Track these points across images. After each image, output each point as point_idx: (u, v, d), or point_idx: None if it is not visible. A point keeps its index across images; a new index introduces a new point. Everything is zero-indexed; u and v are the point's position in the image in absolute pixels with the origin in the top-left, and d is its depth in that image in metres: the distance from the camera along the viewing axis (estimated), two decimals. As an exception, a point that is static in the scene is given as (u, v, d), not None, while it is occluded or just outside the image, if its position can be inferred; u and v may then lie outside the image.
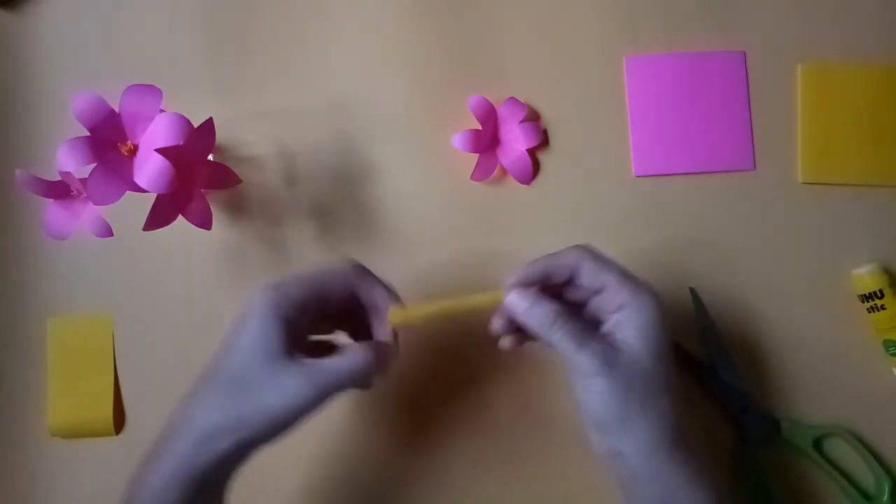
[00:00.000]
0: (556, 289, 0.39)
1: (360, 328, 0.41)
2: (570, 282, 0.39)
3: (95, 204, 0.38)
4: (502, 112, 0.49)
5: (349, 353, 0.37)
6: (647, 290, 0.37)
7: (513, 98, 0.49)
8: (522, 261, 0.49)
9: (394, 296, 0.40)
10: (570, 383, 0.38)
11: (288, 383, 0.35)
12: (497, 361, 0.48)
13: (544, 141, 0.50)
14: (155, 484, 0.35)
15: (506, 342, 0.41)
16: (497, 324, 0.40)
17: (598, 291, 0.38)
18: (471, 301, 0.39)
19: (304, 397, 0.35)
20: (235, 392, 0.35)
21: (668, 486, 0.36)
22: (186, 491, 0.35)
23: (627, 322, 0.37)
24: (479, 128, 0.48)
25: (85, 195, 0.41)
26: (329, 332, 0.42)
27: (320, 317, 0.39)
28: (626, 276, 0.38)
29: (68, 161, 0.38)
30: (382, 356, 0.37)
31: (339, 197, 0.50)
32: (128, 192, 0.38)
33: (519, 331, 0.40)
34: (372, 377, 0.38)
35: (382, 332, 0.40)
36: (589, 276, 0.38)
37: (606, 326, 0.38)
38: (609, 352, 0.36)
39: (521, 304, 0.38)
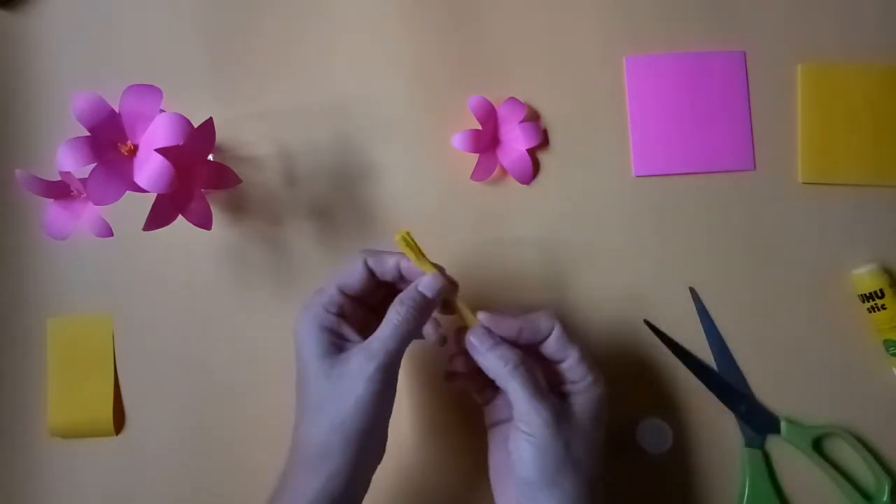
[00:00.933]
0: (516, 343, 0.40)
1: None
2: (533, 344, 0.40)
3: (95, 204, 0.38)
4: (502, 112, 0.49)
5: (387, 315, 0.38)
6: (598, 373, 0.40)
7: (513, 98, 0.49)
8: (522, 261, 0.50)
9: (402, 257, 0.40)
10: (505, 435, 0.40)
11: (350, 368, 0.37)
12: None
13: (544, 141, 0.50)
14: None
15: (457, 364, 0.42)
16: (454, 354, 0.42)
17: (558, 361, 0.40)
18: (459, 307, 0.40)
19: (369, 372, 0.36)
20: (321, 399, 0.37)
21: None
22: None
23: (580, 394, 0.39)
24: (479, 128, 0.48)
25: (85, 195, 0.41)
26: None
27: (369, 303, 0.41)
28: (584, 355, 0.40)
29: (68, 161, 0.38)
30: (410, 305, 0.38)
31: (339, 197, 0.50)
32: (128, 192, 0.38)
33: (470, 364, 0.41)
34: (415, 326, 0.38)
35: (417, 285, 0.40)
36: (554, 346, 0.40)
37: (560, 390, 0.40)
38: (560, 408, 0.38)
39: (482, 345, 0.39)
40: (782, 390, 0.49)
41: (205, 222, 0.44)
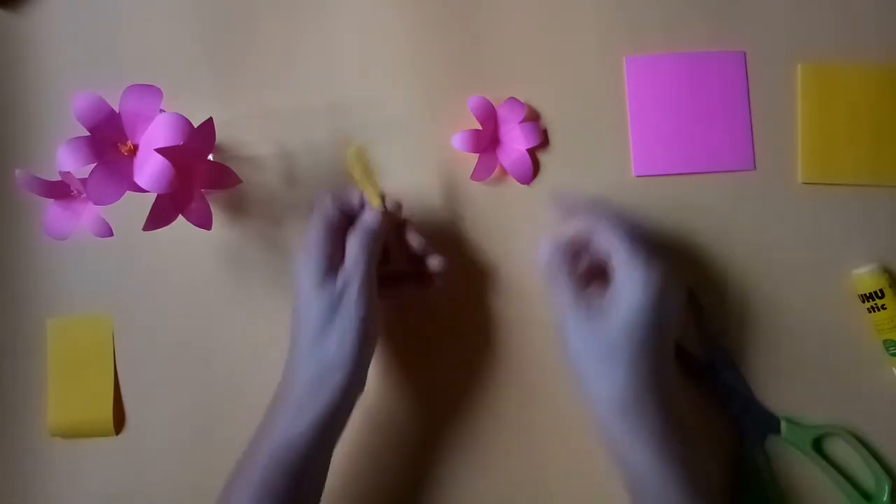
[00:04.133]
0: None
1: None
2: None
3: (95, 204, 0.38)
4: (502, 112, 0.49)
5: (347, 247, 0.42)
6: (641, 272, 0.40)
7: (513, 98, 0.49)
8: (523, 261, 0.50)
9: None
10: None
11: (342, 294, 0.41)
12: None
13: (544, 141, 0.50)
14: (285, 420, 0.40)
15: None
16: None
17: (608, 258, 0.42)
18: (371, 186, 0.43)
19: (353, 294, 0.41)
20: (326, 325, 0.41)
21: (619, 443, 0.40)
22: (326, 424, 0.40)
23: (618, 296, 0.41)
24: (479, 128, 0.48)
25: (85, 195, 0.41)
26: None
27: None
28: (628, 250, 0.41)
29: (68, 161, 0.38)
30: (366, 236, 0.42)
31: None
32: (128, 192, 0.38)
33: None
34: (375, 251, 0.42)
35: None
36: (600, 241, 0.43)
37: (607, 293, 0.41)
38: (589, 317, 0.41)
39: (543, 255, 0.44)
40: (782, 390, 0.49)
41: (205, 222, 0.44)
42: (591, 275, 0.45)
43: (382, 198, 0.43)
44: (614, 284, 0.41)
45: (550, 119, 0.50)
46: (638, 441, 0.39)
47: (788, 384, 0.49)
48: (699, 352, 0.49)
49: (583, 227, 0.44)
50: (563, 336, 0.42)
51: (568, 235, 0.44)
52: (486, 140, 0.49)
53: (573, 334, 0.41)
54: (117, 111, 0.39)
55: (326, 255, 0.41)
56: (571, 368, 0.42)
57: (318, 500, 0.42)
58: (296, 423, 0.40)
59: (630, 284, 0.40)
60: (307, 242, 0.42)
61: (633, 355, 0.40)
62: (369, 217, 0.43)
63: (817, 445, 0.48)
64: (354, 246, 0.42)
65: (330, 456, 0.42)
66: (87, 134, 0.38)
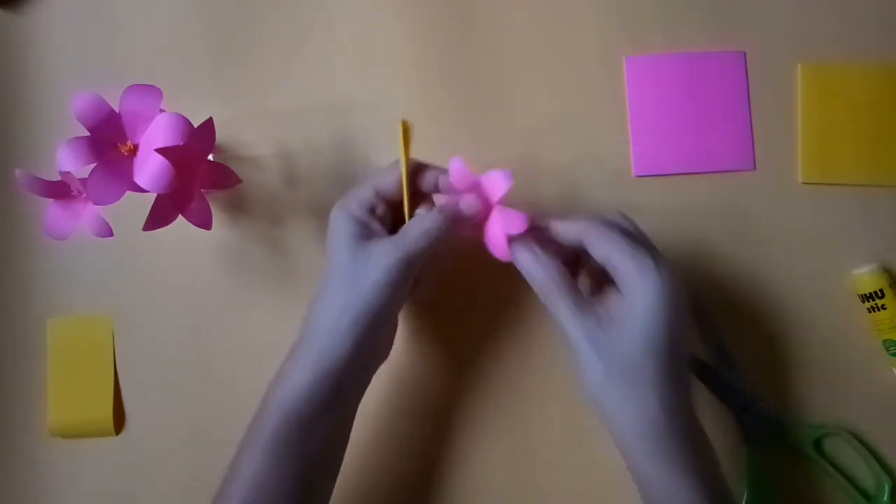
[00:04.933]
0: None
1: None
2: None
3: (95, 204, 0.38)
4: (485, 183, 0.40)
5: (421, 218, 0.40)
6: (652, 275, 0.36)
7: (497, 171, 0.40)
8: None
9: (440, 171, 0.43)
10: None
11: (377, 252, 0.39)
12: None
13: (543, 141, 0.50)
14: (297, 379, 0.38)
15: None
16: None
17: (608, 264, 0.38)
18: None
19: (393, 259, 0.38)
20: (342, 280, 0.39)
21: (652, 474, 0.35)
22: (327, 382, 0.38)
23: (627, 306, 0.36)
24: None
25: (85, 195, 0.41)
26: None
27: (395, 206, 0.43)
28: (633, 256, 0.36)
29: (68, 161, 0.38)
30: (448, 216, 0.40)
31: (339, 197, 0.50)
32: (128, 192, 0.38)
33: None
34: (444, 236, 0.40)
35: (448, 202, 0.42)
36: (596, 250, 0.38)
37: (611, 300, 0.38)
38: (598, 333, 0.36)
39: (525, 259, 0.39)
40: (782, 390, 0.49)
41: (205, 222, 0.44)
42: (587, 287, 0.41)
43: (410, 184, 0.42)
44: (625, 292, 0.36)
45: (550, 119, 0.50)
46: (675, 471, 0.35)
47: (789, 384, 0.49)
48: (700, 352, 0.49)
49: (569, 234, 0.39)
50: (575, 360, 0.37)
51: (552, 252, 0.39)
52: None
53: (587, 355, 0.36)
54: (117, 111, 0.39)
55: (368, 216, 0.41)
56: (589, 395, 0.37)
57: (338, 463, 0.41)
58: (305, 372, 0.38)
59: (643, 290, 0.35)
60: (350, 197, 0.41)
61: (659, 373, 0.35)
62: (471, 203, 0.40)
63: (817, 445, 0.48)
64: (430, 221, 0.39)
65: (347, 416, 0.40)
66: (87, 134, 0.38)
